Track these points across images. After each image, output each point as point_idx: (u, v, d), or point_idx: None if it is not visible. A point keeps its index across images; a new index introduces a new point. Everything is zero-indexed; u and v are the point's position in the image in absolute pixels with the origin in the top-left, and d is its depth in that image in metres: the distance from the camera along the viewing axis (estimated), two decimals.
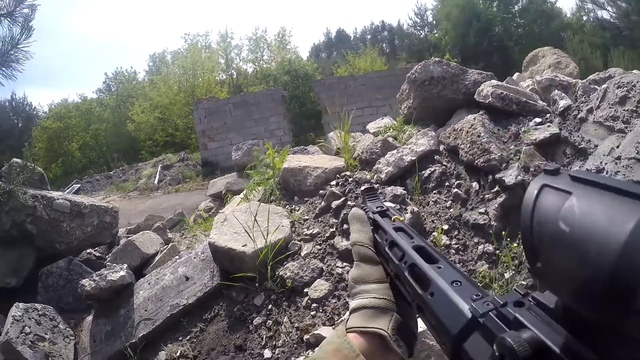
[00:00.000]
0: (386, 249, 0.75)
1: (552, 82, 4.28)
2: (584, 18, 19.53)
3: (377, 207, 0.88)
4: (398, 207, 3.10)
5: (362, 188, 0.98)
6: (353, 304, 0.76)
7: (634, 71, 3.67)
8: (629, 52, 15.75)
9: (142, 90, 34.03)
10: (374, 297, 0.74)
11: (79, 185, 19.54)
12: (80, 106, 37.57)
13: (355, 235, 0.83)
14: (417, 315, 0.67)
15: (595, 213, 0.35)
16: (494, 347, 0.44)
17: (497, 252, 2.84)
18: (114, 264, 3.70)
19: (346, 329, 0.72)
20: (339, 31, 62.41)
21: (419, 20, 39.34)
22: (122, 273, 3.45)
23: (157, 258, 4.13)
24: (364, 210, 0.89)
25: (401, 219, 0.82)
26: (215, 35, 59.34)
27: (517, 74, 5.46)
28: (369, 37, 56.46)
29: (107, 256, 4.47)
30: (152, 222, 6.19)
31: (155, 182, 17.11)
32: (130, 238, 4.42)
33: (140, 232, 4.69)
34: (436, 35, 34.31)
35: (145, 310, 3.20)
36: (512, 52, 27.88)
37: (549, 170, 0.44)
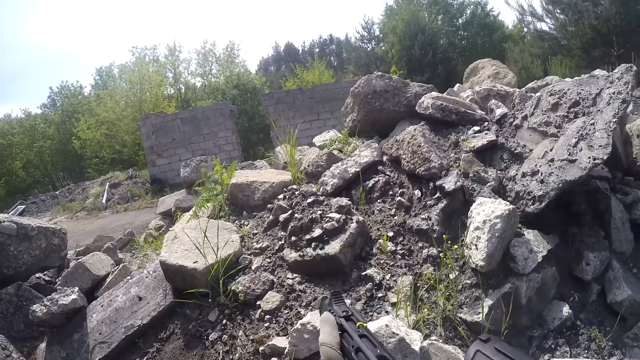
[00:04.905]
0: (353, 354, 0.88)
1: (490, 92, 4.51)
2: (525, 30, 20.46)
3: (342, 312, 1.03)
4: (344, 217, 3.22)
5: (329, 293, 1.16)
6: None
7: (567, 79, 3.92)
8: (566, 60, 16.69)
9: (88, 105, 33.10)
10: None
11: (24, 206, 18.92)
12: (24, 122, 36.38)
13: (324, 337, 0.95)
14: None
15: None
16: None
17: (441, 254, 2.99)
18: (65, 288, 3.63)
19: None
20: (287, 45, 62.93)
21: (366, 34, 40.22)
22: (73, 296, 3.39)
23: (108, 279, 4.08)
24: (332, 313, 1.04)
25: (365, 324, 0.96)
26: (163, 48, 58.62)
27: (457, 85, 5.69)
28: (317, 50, 57.19)
29: (57, 280, 4.37)
30: (101, 243, 6.10)
31: (103, 201, 16.76)
32: (80, 260, 4.35)
33: (90, 254, 4.62)
34: (383, 48, 35.16)
35: (100, 334, 3.15)
36: (456, 63, 28.95)
37: (482, 340, 0.65)
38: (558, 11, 17.06)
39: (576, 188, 3.31)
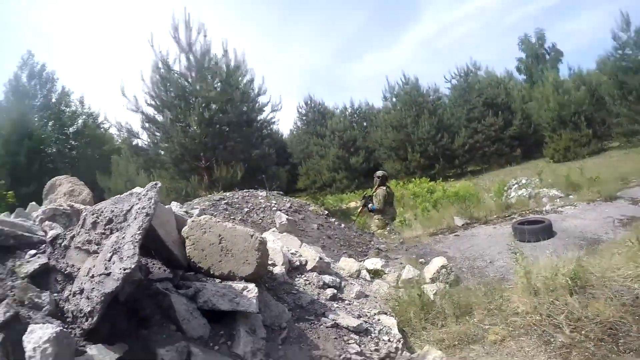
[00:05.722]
0: None
1: (56, 212, 4.55)
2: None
3: None
4: None
5: None
6: None
7: (110, 199, 4.18)
8: (162, 172, 18.62)
9: None
10: None
11: None
12: None
13: None
14: None
15: None
16: None
17: None
18: None
19: None
20: None
21: None
22: None
23: None
24: None
25: None
26: None
27: (31, 204, 5.47)
28: None
29: None
30: None
31: None
32: None
33: None
34: None
35: None
36: (64, 173, 27.43)
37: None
38: (154, 129, 18.80)
39: (139, 293, 3.56)
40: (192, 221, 4.46)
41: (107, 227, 3.63)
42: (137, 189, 4.12)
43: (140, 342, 3.41)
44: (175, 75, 18.92)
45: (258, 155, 19.58)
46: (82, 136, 33.92)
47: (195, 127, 17.59)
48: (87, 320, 3.13)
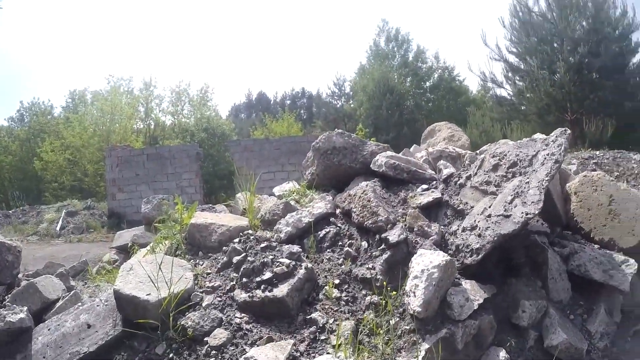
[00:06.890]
0: None
1: (442, 154, 4.83)
2: (487, 95, 21.47)
3: None
4: (294, 263, 3.40)
5: None
6: None
7: (509, 142, 4.24)
8: (523, 124, 17.46)
9: (56, 126, 31.97)
10: None
11: None
12: None
13: None
14: None
15: None
16: None
17: (383, 302, 3.15)
18: (14, 306, 3.60)
19: None
20: (260, 94, 64.13)
21: (337, 90, 41.46)
22: (22, 315, 3.39)
23: (58, 304, 4.02)
24: None
25: None
26: (138, 81, 58.07)
27: (414, 145, 5.99)
28: (288, 102, 57.76)
29: (5, 298, 4.28)
30: (52, 270, 6.01)
31: (57, 228, 16.24)
32: (32, 280, 4.30)
33: (44, 276, 4.56)
34: (352, 105, 36.24)
35: (44, 357, 3.14)
36: (421, 125, 29.74)
37: None
38: (517, 78, 18.01)
39: (516, 242, 3.57)
40: (584, 176, 4.20)
41: (509, 170, 3.65)
42: (539, 135, 4.06)
43: (506, 289, 3.46)
44: (536, 17, 17.60)
45: (631, 109, 16.52)
46: (438, 89, 36.07)
47: (563, 74, 15.83)
48: (471, 256, 3.25)
